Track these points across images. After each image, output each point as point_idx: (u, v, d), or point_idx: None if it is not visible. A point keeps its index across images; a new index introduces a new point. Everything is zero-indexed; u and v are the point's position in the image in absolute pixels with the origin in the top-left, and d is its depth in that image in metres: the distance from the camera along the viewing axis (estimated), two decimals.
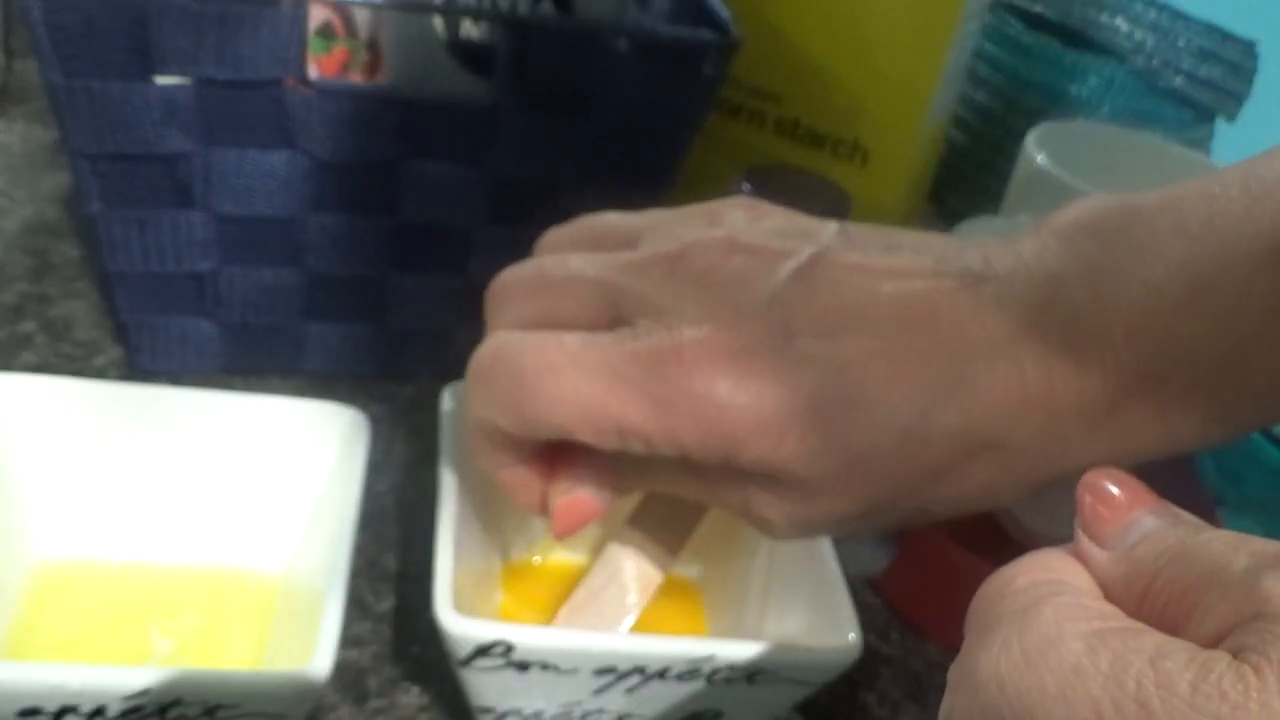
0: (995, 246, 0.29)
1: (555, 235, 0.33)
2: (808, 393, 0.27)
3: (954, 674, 0.19)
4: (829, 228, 0.30)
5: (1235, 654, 0.16)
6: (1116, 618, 0.18)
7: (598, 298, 0.29)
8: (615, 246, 0.31)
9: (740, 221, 0.30)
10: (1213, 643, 0.17)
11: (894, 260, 0.28)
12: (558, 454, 0.31)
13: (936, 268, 0.28)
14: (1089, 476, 0.21)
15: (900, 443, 0.27)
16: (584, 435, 0.28)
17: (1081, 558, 0.20)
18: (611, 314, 0.29)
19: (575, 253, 0.31)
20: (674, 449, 0.28)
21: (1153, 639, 0.17)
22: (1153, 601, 0.19)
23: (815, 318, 0.27)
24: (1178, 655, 0.16)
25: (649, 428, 0.27)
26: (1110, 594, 0.20)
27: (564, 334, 0.28)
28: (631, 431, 0.27)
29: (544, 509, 0.31)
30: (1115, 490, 0.20)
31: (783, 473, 0.27)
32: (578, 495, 0.30)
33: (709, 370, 0.27)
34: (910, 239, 0.30)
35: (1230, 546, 0.18)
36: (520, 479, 0.31)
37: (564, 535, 0.31)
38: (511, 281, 0.31)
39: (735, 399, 0.26)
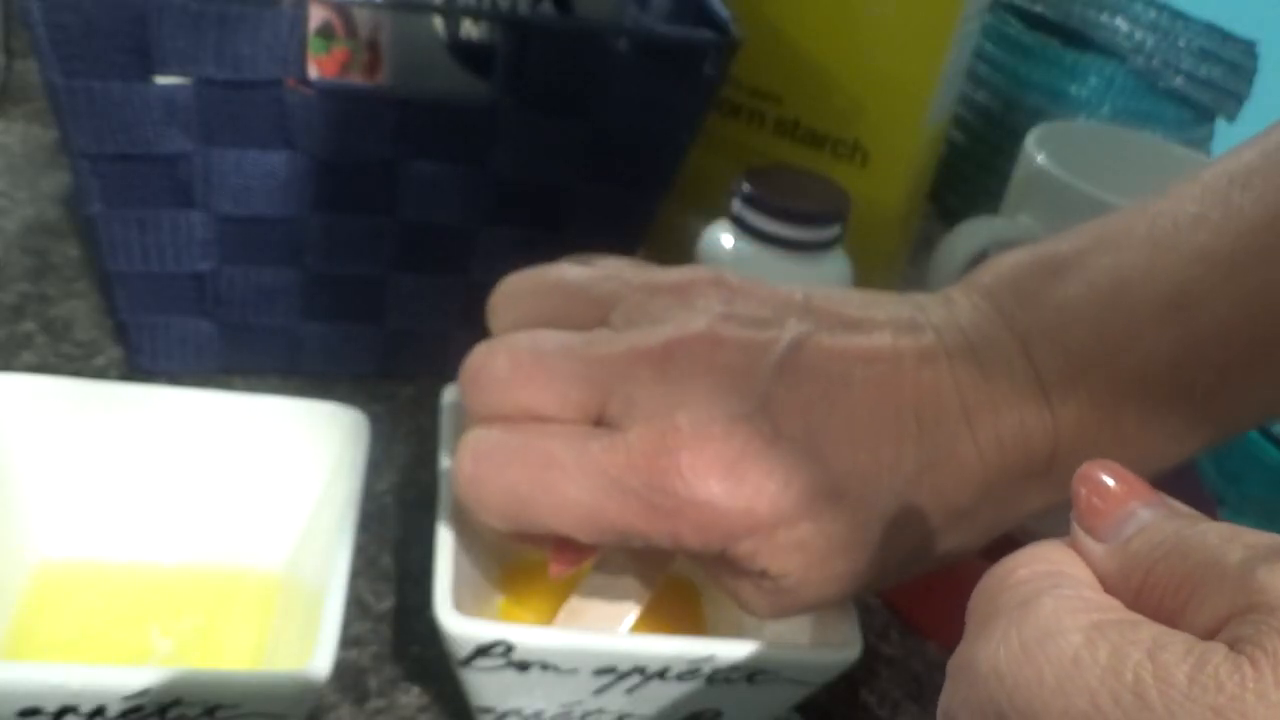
0: (930, 303, 0.31)
1: (514, 287, 0.33)
2: (797, 489, 0.28)
3: (953, 665, 0.19)
4: (795, 303, 0.31)
5: (1231, 645, 0.16)
6: (1115, 610, 0.18)
7: (583, 396, 0.29)
8: (583, 317, 0.31)
9: (715, 306, 0.30)
10: (1209, 634, 0.17)
11: (861, 341, 0.30)
12: None
13: (895, 342, 0.30)
14: (1084, 469, 0.21)
15: (882, 528, 0.29)
16: (585, 538, 0.29)
17: (1078, 550, 0.20)
18: (597, 411, 0.29)
19: (546, 333, 0.30)
20: (674, 545, 0.29)
21: (1150, 630, 0.17)
22: (1149, 594, 0.19)
23: (799, 413, 0.29)
24: (1175, 647, 0.17)
25: (651, 530, 0.28)
26: (1106, 586, 0.20)
27: (551, 441, 0.28)
28: (634, 535, 0.28)
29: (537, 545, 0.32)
30: (1111, 482, 0.21)
31: (772, 565, 0.29)
32: (573, 558, 0.31)
33: (706, 478, 0.28)
34: (863, 302, 0.32)
35: (1225, 539, 0.18)
36: (524, 541, 0.31)
37: (561, 577, 0.32)
38: (487, 372, 0.30)
39: (734, 503, 0.28)
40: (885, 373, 0.29)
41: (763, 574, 0.29)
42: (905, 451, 0.29)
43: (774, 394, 0.29)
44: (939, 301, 0.31)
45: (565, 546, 0.30)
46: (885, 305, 0.32)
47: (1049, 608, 0.18)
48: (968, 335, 0.30)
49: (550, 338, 0.30)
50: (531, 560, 0.38)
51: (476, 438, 0.29)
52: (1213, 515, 0.47)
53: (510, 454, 0.29)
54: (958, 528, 0.30)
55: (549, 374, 0.29)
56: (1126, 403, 0.29)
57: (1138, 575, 0.19)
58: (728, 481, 0.28)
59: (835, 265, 0.42)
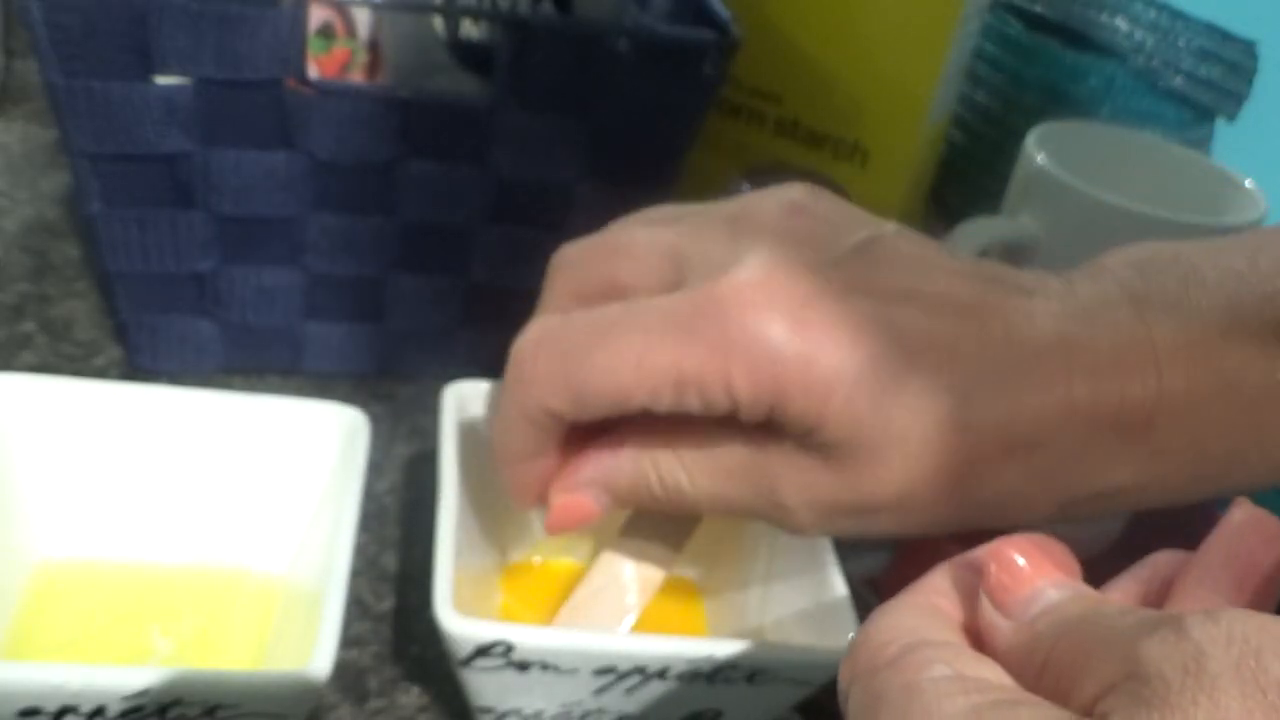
0: (1045, 274, 0.30)
1: (620, 221, 0.33)
2: (861, 357, 0.26)
3: None
4: (888, 222, 0.30)
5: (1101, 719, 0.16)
6: (994, 689, 0.18)
7: (661, 260, 0.29)
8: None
9: (800, 192, 0.30)
10: (1091, 706, 0.17)
11: (951, 260, 0.29)
12: (572, 454, 0.31)
13: (992, 274, 0.29)
14: (995, 545, 0.21)
15: (941, 425, 0.27)
16: (640, 394, 0.27)
17: (985, 627, 0.21)
18: (675, 277, 0.29)
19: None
20: (726, 397, 0.27)
21: (1030, 712, 0.17)
22: (1050, 671, 0.19)
23: (875, 287, 0.27)
24: None
25: (704, 372, 0.27)
26: (1011, 663, 0.20)
27: (612, 307, 0.28)
28: (687, 380, 0.27)
29: (540, 502, 0.31)
30: (1021, 561, 0.21)
31: (822, 433, 0.27)
32: (579, 497, 0.30)
33: (767, 314, 0.26)
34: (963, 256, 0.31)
35: (1122, 613, 0.19)
36: (532, 475, 0.31)
37: (555, 532, 0.31)
38: (574, 250, 0.31)
39: (791, 346, 0.26)
40: (976, 287, 0.28)
41: (811, 442, 0.27)
42: (986, 353, 0.27)
43: (848, 263, 0.27)
44: (1054, 275, 0.30)
45: (566, 506, 0.30)
46: (990, 263, 0.31)
47: (930, 695, 0.18)
48: (1076, 288, 0.29)
49: (640, 224, 0.31)
50: (531, 560, 0.38)
51: (538, 322, 0.30)
52: (1212, 516, 0.46)
53: (568, 326, 0.28)
54: (1022, 461, 0.28)
55: (633, 244, 0.30)
56: (1243, 381, 0.27)
57: (1041, 653, 0.19)
58: (789, 323, 0.26)
59: None
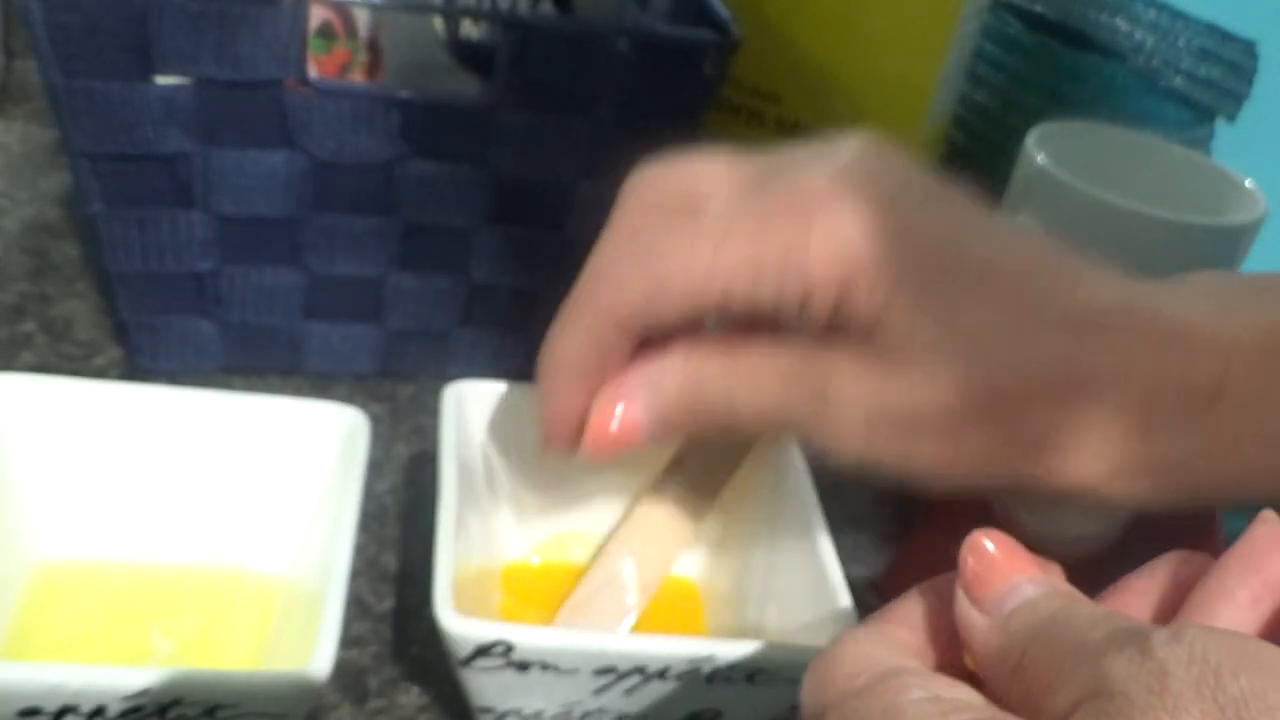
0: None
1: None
2: (928, 265, 0.27)
3: None
4: None
5: None
6: (972, 709, 0.18)
7: (741, 174, 0.29)
8: None
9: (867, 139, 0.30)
10: None
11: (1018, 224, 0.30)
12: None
13: (1061, 245, 0.29)
14: (972, 536, 0.21)
15: (997, 350, 0.27)
16: (717, 281, 0.27)
17: (961, 623, 0.21)
18: (755, 187, 0.29)
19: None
20: (799, 285, 0.27)
21: None
22: (1022, 676, 0.19)
23: (948, 215, 0.28)
24: None
25: (782, 257, 0.27)
26: (985, 665, 0.20)
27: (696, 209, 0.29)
28: (765, 265, 0.27)
29: (574, 443, 0.30)
30: (996, 553, 0.21)
31: (882, 331, 0.27)
32: (625, 406, 0.29)
33: (844, 210, 0.26)
34: None
35: (1092, 622, 0.19)
36: (579, 398, 0.30)
37: (595, 453, 0.30)
38: (652, 169, 0.31)
39: (865, 241, 0.26)
40: (1047, 245, 0.28)
41: (870, 342, 0.27)
42: (1051, 299, 0.27)
43: (919, 185, 0.28)
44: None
45: (608, 415, 0.29)
46: None
47: (911, 715, 0.18)
48: (1143, 279, 0.28)
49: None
50: (531, 560, 0.38)
51: (614, 229, 0.30)
52: (1212, 515, 0.46)
53: (649, 227, 0.29)
54: (1082, 411, 0.27)
55: (711, 163, 0.30)
56: None
57: (1014, 655, 0.19)
58: (864, 222, 0.26)
59: None
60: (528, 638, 0.28)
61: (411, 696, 0.35)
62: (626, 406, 0.29)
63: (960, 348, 0.27)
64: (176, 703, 0.26)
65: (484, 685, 0.30)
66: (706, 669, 0.30)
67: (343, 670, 0.35)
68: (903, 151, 0.30)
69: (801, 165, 0.28)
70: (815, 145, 0.29)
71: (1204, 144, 0.67)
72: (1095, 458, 0.27)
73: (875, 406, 0.27)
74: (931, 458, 0.28)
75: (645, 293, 0.28)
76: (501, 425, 0.36)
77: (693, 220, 0.28)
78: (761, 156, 0.30)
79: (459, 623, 0.28)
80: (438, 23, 0.47)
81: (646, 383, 0.29)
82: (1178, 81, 0.63)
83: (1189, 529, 0.42)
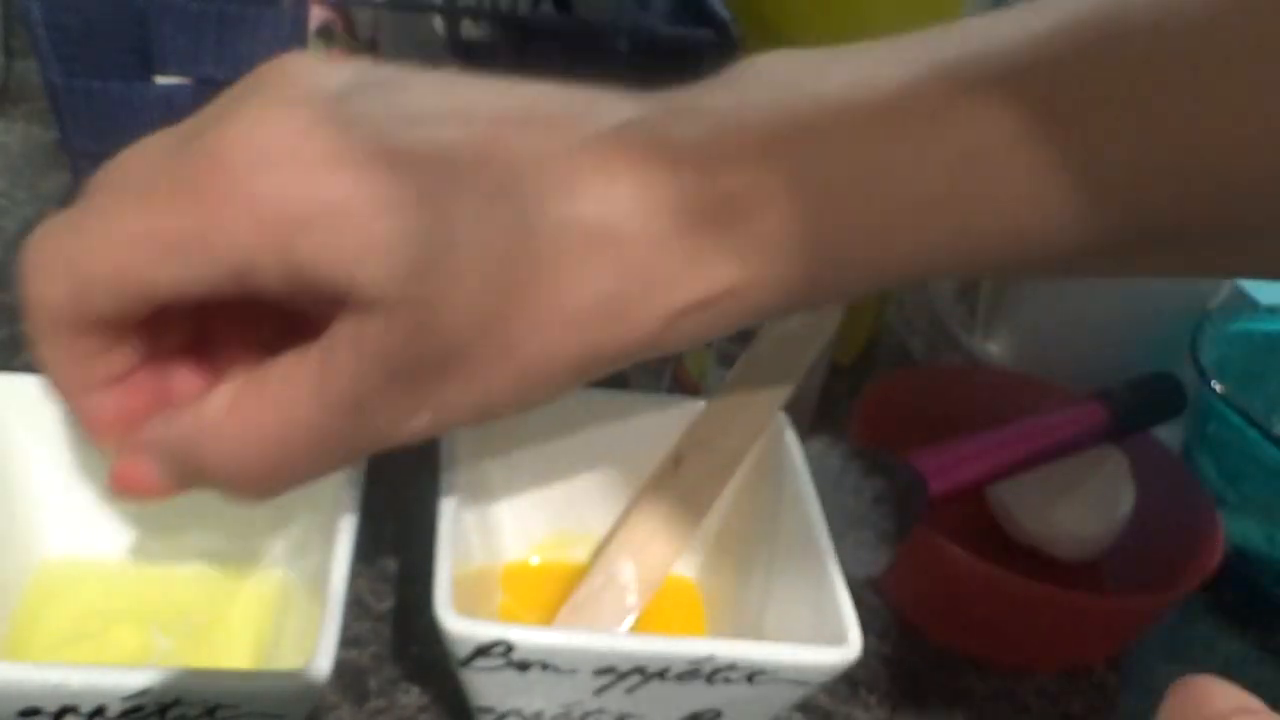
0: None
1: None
2: (380, 184, 0.22)
3: None
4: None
5: None
6: None
7: (165, 138, 0.24)
8: None
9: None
10: None
11: (517, 86, 0.25)
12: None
13: (567, 95, 0.25)
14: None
15: (501, 236, 0.23)
16: (143, 267, 0.23)
17: None
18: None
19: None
20: (233, 250, 0.22)
21: None
22: None
23: (394, 106, 0.23)
24: None
25: (205, 226, 0.22)
26: None
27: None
28: (190, 240, 0.22)
29: (127, 434, 0.26)
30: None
31: (362, 290, 0.22)
32: (139, 464, 0.25)
33: (248, 156, 0.22)
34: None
35: None
36: (103, 410, 0.26)
37: (121, 496, 0.26)
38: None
39: (293, 194, 0.22)
40: (533, 101, 0.24)
41: (365, 309, 0.22)
42: (542, 158, 0.24)
43: (354, 93, 0.23)
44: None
45: (125, 473, 0.25)
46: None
47: None
48: (674, 95, 0.26)
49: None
50: (531, 560, 0.38)
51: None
52: (1212, 515, 0.46)
53: (77, 209, 0.24)
54: (616, 263, 0.24)
55: (142, 145, 0.24)
56: (869, 168, 0.24)
57: None
58: (288, 170, 0.22)
59: None
60: (528, 638, 0.28)
61: (411, 696, 0.35)
62: (143, 468, 0.25)
63: (455, 268, 0.22)
64: (176, 703, 0.26)
65: (484, 685, 0.30)
66: (706, 669, 0.30)
67: (343, 670, 0.35)
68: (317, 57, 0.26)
69: (223, 104, 0.23)
70: (232, 92, 0.24)
71: None
72: (649, 313, 0.25)
73: (395, 358, 0.23)
74: (496, 386, 0.25)
75: (75, 288, 0.23)
76: (499, 424, 0.36)
77: (117, 196, 0.23)
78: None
79: (459, 623, 0.28)
80: (438, 23, 0.47)
81: (153, 444, 0.25)
82: None
83: (1189, 529, 0.42)
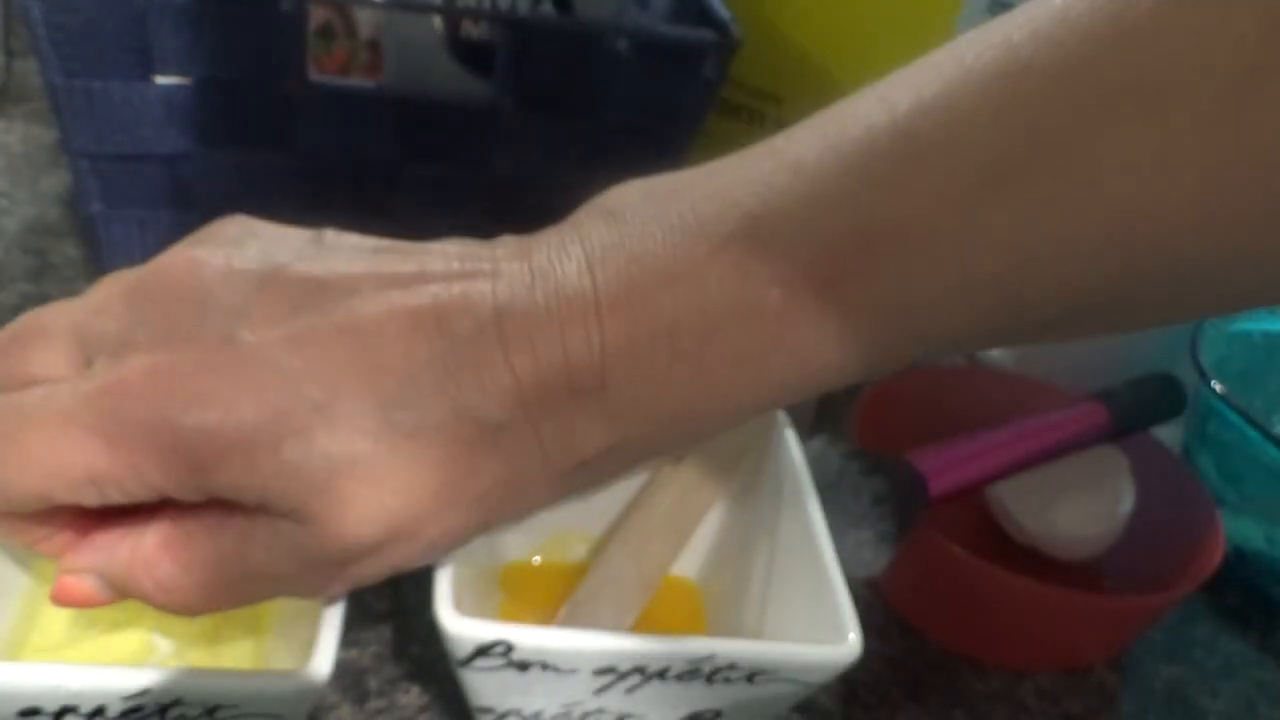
0: (513, 245, 0.28)
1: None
2: (273, 401, 0.24)
3: None
4: (305, 236, 0.28)
5: None
6: None
7: (68, 345, 0.26)
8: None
9: (221, 239, 0.28)
10: None
11: (380, 265, 0.27)
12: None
13: (423, 268, 0.27)
14: None
15: (389, 440, 0.25)
16: (62, 494, 0.25)
17: None
18: (85, 360, 0.26)
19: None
20: (145, 487, 0.25)
21: None
22: None
23: (276, 324, 0.25)
24: None
25: (115, 470, 0.24)
26: None
27: (21, 392, 0.25)
28: (103, 479, 0.24)
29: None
30: None
31: (267, 495, 0.24)
32: (81, 583, 0.27)
33: (157, 395, 0.24)
34: (400, 248, 0.28)
35: None
36: (46, 547, 0.28)
37: (62, 606, 0.28)
38: None
39: (188, 419, 0.24)
40: (404, 293, 0.26)
41: (273, 509, 0.24)
42: (416, 352, 0.25)
43: (244, 308, 0.25)
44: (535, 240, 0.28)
45: (68, 588, 0.27)
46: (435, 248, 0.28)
47: None
48: (533, 260, 0.27)
49: (57, 305, 0.27)
50: (531, 560, 0.38)
51: None
52: (1212, 515, 0.46)
53: None
54: (507, 445, 0.26)
55: (40, 330, 0.26)
56: (680, 323, 0.25)
57: None
58: (182, 397, 0.24)
59: None
60: (528, 638, 0.28)
61: (411, 696, 0.35)
62: (84, 587, 0.27)
63: (353, 472, 0.24)
64: (176, 703, 0.26)
65: (484, 685, 0.30)
66: (706, 669, 0.30)
67: (343, 670, 0.35)
68: (264, 231, 0.28)
69: (119, 326, 0.25)
70: (140, 273, 0.26)
71: None
72: (545, 478, 0.27)
73: (310, 560, 0.26)
74: (408, 558, 0.28)
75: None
76: None
77: (24, 416, 0.25)
78: (93, 300, 0.26)
79: (459, 623, 0.28)
80: (438, 23, 0.47)
81: (94, 568, 0.27)
82: None
83: (1189, 529, 0.42)
